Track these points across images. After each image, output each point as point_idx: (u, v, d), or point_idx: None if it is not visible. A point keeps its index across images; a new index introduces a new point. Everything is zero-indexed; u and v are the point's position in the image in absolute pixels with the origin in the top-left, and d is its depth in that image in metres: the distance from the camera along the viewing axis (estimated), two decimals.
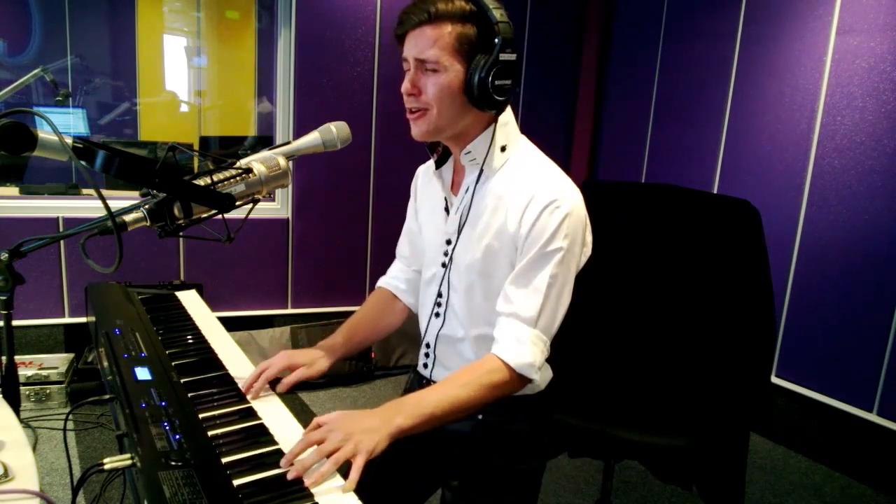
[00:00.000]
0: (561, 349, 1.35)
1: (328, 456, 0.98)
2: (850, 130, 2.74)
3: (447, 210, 1.30)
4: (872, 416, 2.67)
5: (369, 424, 1.04)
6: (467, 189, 1.24)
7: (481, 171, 1.22)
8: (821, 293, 2.85)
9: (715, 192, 3.26)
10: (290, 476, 0.95)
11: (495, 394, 1.14)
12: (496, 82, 1.10)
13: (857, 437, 2.73)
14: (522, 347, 1.14)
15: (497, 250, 1.19)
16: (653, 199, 1.97)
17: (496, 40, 1.10)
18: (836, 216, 2.79)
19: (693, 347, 1.81)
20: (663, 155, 3.66)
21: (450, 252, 1.27)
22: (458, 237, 1.26)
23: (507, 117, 1.21)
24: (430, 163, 1.34)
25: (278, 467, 0.98)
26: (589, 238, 1.23)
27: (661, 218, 1.91)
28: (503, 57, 1.10)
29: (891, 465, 2.62)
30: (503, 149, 1.21)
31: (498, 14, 1.12)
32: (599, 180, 3.94)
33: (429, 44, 1.11)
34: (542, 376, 1.27)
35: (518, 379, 1.15)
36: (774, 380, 3.00)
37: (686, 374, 1.81)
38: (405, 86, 1.16)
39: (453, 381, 1.14)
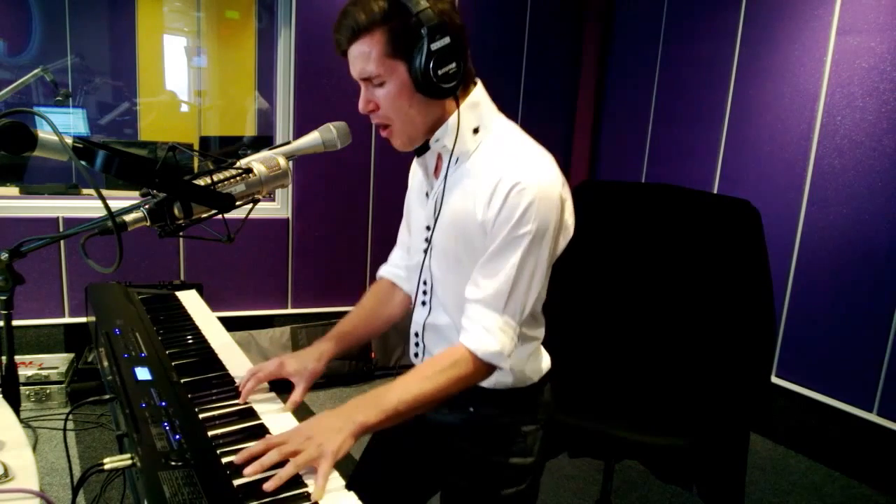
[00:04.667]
0: (562, 348, 1.35)
1: (290, 458, 0.96)
2: (850, 130, 2.74)
3: (427, 195, 1.28)
4: (872, 416, 2.67)
5: (331, 425, 1.02)
6: (445, 174, 1.22)
7: (455, 156, 1.19)
8: (821, 293, 2.85)
9: (715, 192, 3.26)
10: (246, 472, 0.94)
11: (461, 385, 1.12)
12: (438, 72, 1.07)
13: (857, 437, 2.73)
14: (489, 336, 1.11)
15: (470, 236, 1.17)
16: (653, 199, 1.98)
17: (422, 31, 1.06)
18: (836, 216, 2.79)
19: (693, 347, 1.81)
20: (663, 155, 3.66)
21: (429, 239, 1.25)
22: (435, 224, 1.23)
23: (478, 97, 1.18)
24: None
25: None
26: (570, 220, 1.19)
27: (661, 218, 1.91)
28: (435, 45, 1.06)
29: (891, 465, 2.62)
30: (475, 131, 1.17)
31: (417, 2, 1.06)
32: (599, 180, 3.94)
33: (364, 60, 1.09)
34: (531, 366, 1.26)
35: (485, 368, 1.12)
36: (774, 380, 3.00)
37: (686, 374, 1.81)
38: (360, 105, 1.15)
39: (417, 373, 1.12)
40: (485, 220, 1.13)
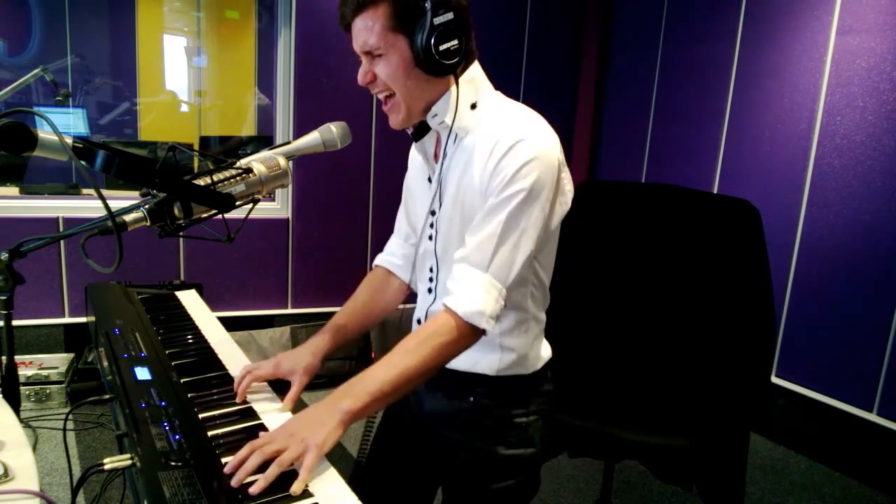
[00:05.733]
0: (562, 348, 1.35)
1: (275, 457, 0.95)
2: (850, 130, 2.74)
3: (430, 180, 1.26)
4: (872, 416, 2.67)
5: (316, 418, 1.01)
6: (445, 155, 1.20)
7: (453, 133, 1.17)
8: (821, 293, 2.85)
9: (715, 192, 3.26)
10: (233, 483, 0.91)
11: (446, 353, 1.08)
12: (440, 47, 1.07)
13: (857, 437, 2.73)
14: (472, 294, 1.07)
15: (473, 211, 1.14)
16: (653, 199, 1.98)
17: (426, 4, 1.06)
18: (836, 216, 2.79)
19: (693, 347, 1.81)
20: (663, 155, 3.66)
21: (435, 223, 1.24)
22: (440, 207, 1.22)
23: (473, 73, 1.17)
24: None
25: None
26: (568, 187, 1.17)
27: (661, 218, 1.91)
28: (438, 20, 1.06)
29: (891, 465, 2.62)
30: (473, 106, 1.16)
31: None
32: (599, 180, 3.94)
33: (367, 33, 1.09)
34: (535, 352, 1.24)
35: (469, 330, 1.07)
36: (774, 380, 3.00)
37: (686, 374, 1.81)
38: (359, 77, 1.14)
39: (399, 349, 1.10)
40: (482, 185, 1.11)
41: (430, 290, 1.30)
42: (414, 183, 1.35)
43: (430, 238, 1.26)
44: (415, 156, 1.35)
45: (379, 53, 1.10)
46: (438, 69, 1.09)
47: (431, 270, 1.28)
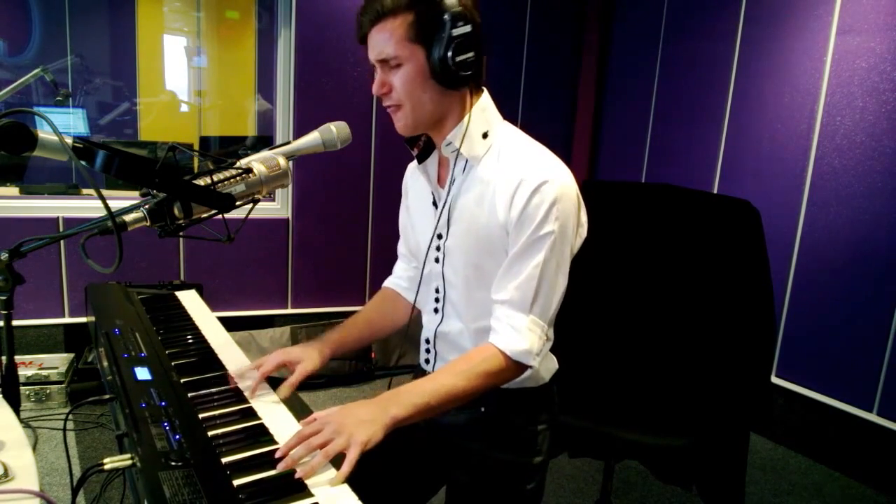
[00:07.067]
0: (561, 349, 1.35)
1: (321, 448, 0.98)
2: (850, 130, 2.74)
3: (435, 205, 1.28)
4: (872, 416, 2.67)
5: (363, 416, 1.04)
6: (453, 181, 1.23)
7: (465, 160, 1.20)
8: (821, 293, 2.85)
9: (715, 192, 3.26)
10: (280, 467, 0.95)
11: (492, 382, 1.13)
12: (457, 58, 1.09)
13: (857, 437, 2.73)
14: (518, 335, 1.12)
15: (489, 240, 1.18)
16: (653, 199, 1.97)
17: (445, 17, 1.08)
18: (836, 216, 2.79)
19: (693, 347, 1.81)
20: (663, 155, 3.66)
21: (441, 247, 1.26)
22: (448, 231, 1.24)
23: (485, 103, 1.20)
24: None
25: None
26: (584, 218, 1.21)
27: (661, 218, 1.91)
28: (456, 32, 1.08)
29: (891, 465, 2.62)
30: (485, 135, 1.19)
31: None
32: (599, 180, 3.94)
33: (384, 42, 1.11)
34: (544, 365, 1.27)
35: (515, 367, 1.13)
36: (774, 380, 3.00)
37: (686, 375, 1.81)
38: (374, 88, 1.16)
39: (449, 370, 1.14)
40: (507, 221, 1.14)
41: (436, 311, 1.33)
42: (415, 205, 1.37)
43: (437, 261, 1.28)
44: (414, 180, 1.37)
45: (396, 63, 1.12)
46: (454, 81, 1.12)
47: (438, 291, 1.31)
